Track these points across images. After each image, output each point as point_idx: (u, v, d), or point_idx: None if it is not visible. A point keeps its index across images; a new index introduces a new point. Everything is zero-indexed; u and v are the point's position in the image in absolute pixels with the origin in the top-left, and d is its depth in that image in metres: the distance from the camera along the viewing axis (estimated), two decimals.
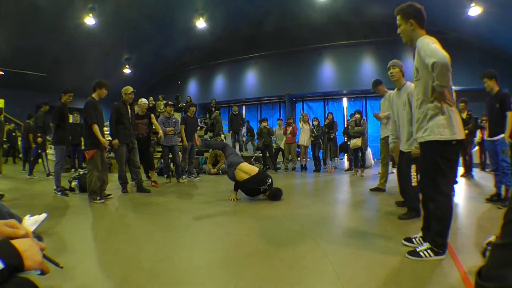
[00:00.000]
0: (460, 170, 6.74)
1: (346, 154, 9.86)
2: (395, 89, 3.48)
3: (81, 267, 2.00)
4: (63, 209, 3.94)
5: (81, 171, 5.72)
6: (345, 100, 15.55)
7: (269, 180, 4.34)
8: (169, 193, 5.17)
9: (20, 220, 2.15)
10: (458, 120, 2.07)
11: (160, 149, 6.85)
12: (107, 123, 5.57)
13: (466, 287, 1.66)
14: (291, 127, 8.64)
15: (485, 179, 6.37)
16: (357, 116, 7.57)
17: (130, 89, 5.09)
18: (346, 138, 9.02)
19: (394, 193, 4.60)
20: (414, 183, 3.17)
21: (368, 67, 14.29)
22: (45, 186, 5.88)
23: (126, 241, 2.58)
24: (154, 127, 6.16)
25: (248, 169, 4.36)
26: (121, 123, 4.96)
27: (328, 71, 15.23)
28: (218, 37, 16.40)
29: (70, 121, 7.28)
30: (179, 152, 6.74)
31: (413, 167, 3.17)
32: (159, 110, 11.24)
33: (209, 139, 5.64)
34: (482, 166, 8.44)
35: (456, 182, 4.82)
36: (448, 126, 2.02)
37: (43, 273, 0.68)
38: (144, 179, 5.59)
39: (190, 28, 14.76)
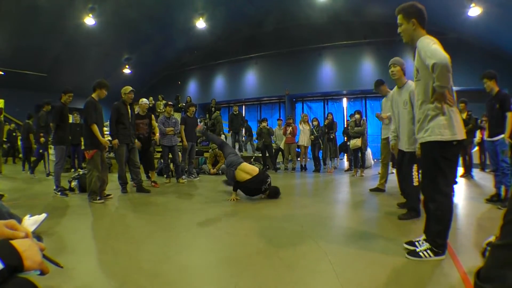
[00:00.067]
0: (460, 170, 6.74)
1: (346, 154, 9.86)
2: (396, 87, 3.48)
3: (81, 267, 2.00)
4: (63, 209, 3.93)
5: (81, 171, 5.72)
6: (345, 100, 15.55)
7: (269, 180, 4.40)
8: (169, 193, 5.17)
9: (20, 220, 2.15)
10: (459, 120, 2.07)
11: (160, 149, 6.85)
12: (107, 123, 5.57)
13: None
14: (290, 127, 8.63)
15: (485, 180, 6.37)
16: (357, 116, 7.58)
17: (129, 88, 5.09)
18: (346, 138, 9.02)
19: (394, 194, 4.60)
20: (415, 183, 3.17)
21: (368, 67, 14.29)
22: (45, 186, 5.88)
23: (126, 241, 2.57)
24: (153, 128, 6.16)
25: (249, 169, 4.37)
26: (121, 123, 4.96)
27: (328, 71, 15.23)
28: (218, 37, 16.40)
29: (70, 121, 7.28)
30: (179, 152, 6.74)
31: (415, 167, 3.18)
32: (158, 110, 11.23)
33: (211, 135, 5.61)
34: (482, 167, 8.44)
35: (456, 183, 4.82)
36: (448, 126, 2.02)
37: (42, 273, 0.68)
38: (144, 179, 5.59)
39: (190, 28, 14.76)
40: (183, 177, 6.64)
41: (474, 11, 10.18)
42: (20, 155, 10.67)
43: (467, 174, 6.97)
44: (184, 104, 11.49)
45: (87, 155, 4.44)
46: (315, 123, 9.10)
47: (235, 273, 1.90)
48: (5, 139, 9.98)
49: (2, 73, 13.88)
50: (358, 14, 13.48)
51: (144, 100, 6.04)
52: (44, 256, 0.71)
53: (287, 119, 9.36)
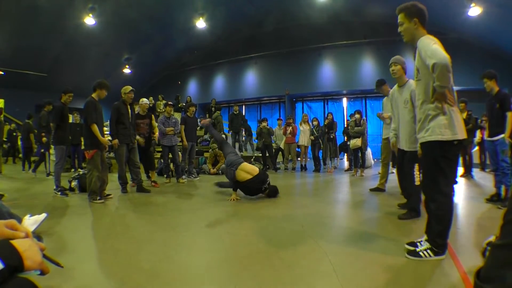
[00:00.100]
0: (460, 170, 6.74)
1: (346, 154, 9.86)
2: (396, 86, 3.48)
3: (81, 267, 2.00)
4: (63, 209, 3.94)
5: (81, 171, 5.72)
6: (345, 100, 15.55)
7: (269, 179, 4.46)
8: (169, 193, 5.17)
9: (20, 220, 2.15)
10: (459, 120, 2.07)
11: (160, 149, 6.85)
12: (107, 123, 5.57)
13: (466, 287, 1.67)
14: (291, 127, 8.63)
15: (485, 179, 6.37)
16: (357, 116, 7.58)
17: (129, 88, 5.09)
18: (346, 138, 9.02)
19: (394, 193, 4.60)
20: (417, 182, 3.17)
21: (368, 67, 14.29)
22: (45, 186, 5.88)
23: (126, 241, 2.58)
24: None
25: (250, 169, 4.39)
26: (121, 123, 4.96)
27: (328, 71, 15.23)
28: (218, 37, 16.40)
29: (70, 121, 7.29)
30: (179, 152, 6.74)
31: (416, 166, 3.18)
32: (158, 110, 11.23)
33: (214, 131, 5.60)
34: (482, 166, 8.44)
35: (456, 182, 4.82)
36: (449, 126, 2.02)
37: (43, 273, 0.68)
38: (144, 179, 5.59)
39: (190, 28, 14.76)
40: (183, 177, 6.64)
41: (474, 11, 10.18)
42: (20, 155, 10.69)
43: (467, 174, 6.97)
44: (184, 104, 11.49)
45: (87, 155, 4.44)
46: (315, 123, 9.10)
47: (235, 273, 1.90)
48: (5, 139, 10.00)
49: (2, 73, 13.88)
50: (358, 14, 13.47)
51: (145, 100, 6.04)
52: (44, 256, 0.71)
53: (287, 119, 9.36)
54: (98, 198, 4.26)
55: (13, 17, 11.69)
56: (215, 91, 17.54)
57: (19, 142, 10.40)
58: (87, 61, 15.34)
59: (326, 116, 9.52)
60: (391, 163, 5.75)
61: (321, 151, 9.05)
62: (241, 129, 10.72)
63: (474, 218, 3.36)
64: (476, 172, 7.56)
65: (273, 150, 9.22)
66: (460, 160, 6.80)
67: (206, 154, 9.15)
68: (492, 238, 1.99)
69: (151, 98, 11.34)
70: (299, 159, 9.70)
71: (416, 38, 2.12)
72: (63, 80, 13.68)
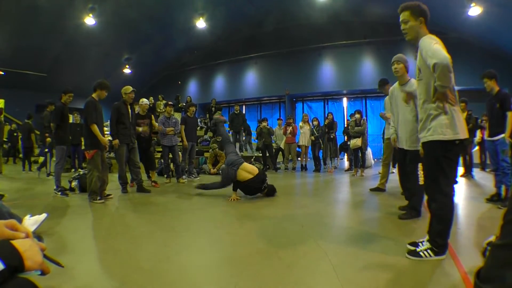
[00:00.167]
0: (460, 170, 6.74)
1: (346, 154, 9.86)
2: (396, 83, 3.47)
3: (81, 267, 2.00)
4: (63, 209, 3.94)
5: (81, 171, 5.72)
6: (345, 100, 15.56)
7: (267, 179, 4.56)
8: (169, 193, 5.18)
9: (20, 220, 2.15)
10: (461, 120, 2.07)
11: (160, 149, 6.85)
12: (107, 123, 5.57)
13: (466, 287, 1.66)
14: (291, 127, 8.63)
15: (485, 179, 6.37)
16: (357, 116, 7.57)
17: (130, 88, 5.10)
18: (346, 138, 9.01)
19: (395, 193, 4.60)
20: (421, 182, 3.16)
21: (368, 67, 14.29)
22: (45, 186, 5.88)
23: (126, 241, 2.58)
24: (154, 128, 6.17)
25: (250, 169, 4.46)
26: (121, 123, 4.96)
27: (328, 71, 15.23)
28: (218, 37, 16.40)
29: (70, 121, 7.30)
30: (179, 152, 6.74)
31: (420, 165, 3.17)
32: (158, 110, 11.23)
33: (222, 129, 5.60)
34: (482, 166, 8.44)
35: (456, 182, 4.82)
36: (450, 125, 2.02)
37: (43, 273, 0.68)
38: (144, 179, 5.60)
39: (190, 28, 14.76)
40: (183, 177, 6.64)
41: (474, 11, 10.18)
42: (20, 155, 10.70)
43: (468, 174, 6.97)
44: (184, 104, 11.49)
45: (87, 155, 4.45)
46: (315, 123, 9.10)
47: (235, 273, 1.90)
48: (5, 139, 10.01)
49: (2, 73, 13.88)
50: (358, 14, 13.47)
51: (145, 100, 6.04)
52: (45, 256, 0.71)
53: (287, 119, 9.36)
54: (98, 198, 4.26)
55: (13, 17, 11.70)
56: (215, 91, 17.54)
57: (20, 142, 10.42)
58: (87, 61, 15.35)
59: (326, 116, 9.52)
60: (391, 163, 5.74)
61: (321, 151, 9.06)
62: (241, 128, 10.71)
63: (474, 218, 3.36)
64: (476, 172, 7.55)
65: (273, 150, 9.22)
66: (460, 160, 6.80)
67: (206, 154, 9.16)
68: (492, 238, 1.99)
69: (151, 98, 11.34)
70: (299, 159, 9.70)
71: (419, 37, 2.13)
72: (63, 80, 13.67)
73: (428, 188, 2.16)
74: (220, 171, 7.89)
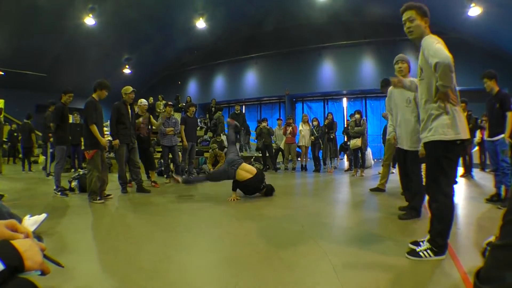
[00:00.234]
0: (460, 170, 6.74)
1: (346, 154, 9.86)
2: None
3: (81, 267, 2.00)
4: (63, 209, 3.94)
5: (81, 171, 5.72)
6: (345, 100, 15.56)
7: (265, 178, 4.62)
8: (169, 193, 5.18)
9: (20, 220, 2.15)
10: (462, 120, 2.07)
11: (160, 149, 6.85)
12: (107, 123, 5.56)
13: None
14: (291, 127, 8.63)
15: (485, 179, 6.37)
16: (357, 116, 7.57)
17: (130, 88, 5.10)
18: (346, 138, 9.01)
19: (395, 194, 4.60)
20: (425, 182, 3.16)
21: (368, 67, 14.29)
22: (45, 186, 5.88)
23: (126, 241, 2.58)
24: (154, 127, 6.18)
25: (249, 169, 4.49)
26: (121, 123, 4.96)
27: (328, 71, 15.23)
28: (218, 37, 16.40)
29: (70, 121, 7.30)
30: (179, 152, 6.74)
31: (423, 166, 3.17)
32: (158, 110, 11.23)
33: (232, 131, 5.62)
34: (482, 166, 8.44)
35: (456, 182, 4.82)
36: (452, 126, 2.02)
37: (43, 273, 0.68)
38: (144, 179, 5.60)
39: (190, 28, 14.76)
40: (184, 177, 6.63)
41: (474, 11, 10.18)
42: (20, 155, 10.70)
43: (467, 174, 6.97)
44: (184, 104, 11.49)
45: (87, 155, 4.44)
46: (315, 123, 9.10)
47: (235, 273, 1.90)
48: (5, 139, 10.01)
49: (2, 73, 13.87)
50: (358, 14, 13.47)
51: (144, 101, 6.06)
52: (45, 256, 0.71)
53: (287, 119, 9.36)
54: (98, 198, 4.26)
55: (13, 17, 11.70)
56: (215, 91, 17.54)
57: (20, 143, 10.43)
58: (87, 61, 15.35)
59: (326, 116, 9.52)
60: (391, 163, 5.74)
61: (321, 151, 9.06)
62: (242, 128, 10.71)
63: (474, 218, 3.36)
64: (476, 172, 7.56)
65: (273, 150, 9.22)
66: (460, 160, 6.80)
67: (206, 154, 9.16)
68: (492, 238, 1.99)
69: (151, 98, 11.34)
70: (299, 159, 9.69)
71: (422, 37, 2.13)
72: (63, 80, 13.69)
73: (429, 188, 2.16)
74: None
